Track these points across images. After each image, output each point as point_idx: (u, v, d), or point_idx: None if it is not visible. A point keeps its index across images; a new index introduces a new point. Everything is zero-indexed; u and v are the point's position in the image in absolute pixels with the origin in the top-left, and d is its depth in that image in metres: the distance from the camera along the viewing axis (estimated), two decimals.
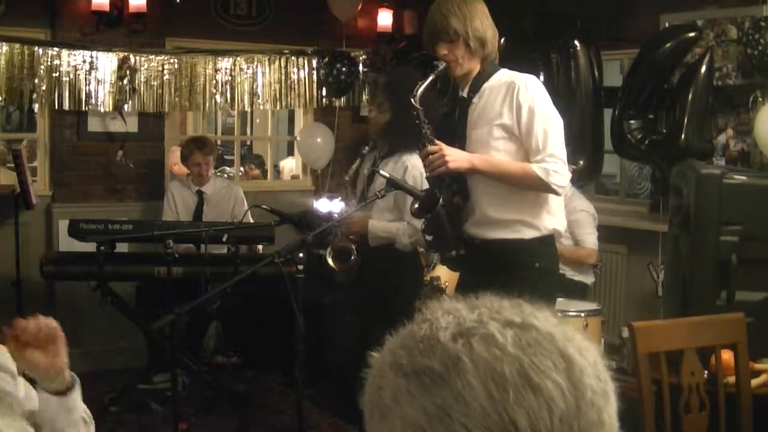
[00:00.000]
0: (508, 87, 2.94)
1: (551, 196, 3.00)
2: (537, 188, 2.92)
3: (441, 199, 3.00)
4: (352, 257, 3.68)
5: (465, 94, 3.07)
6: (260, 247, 5.12)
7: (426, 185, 3.63)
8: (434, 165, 2.95)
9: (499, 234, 3.02)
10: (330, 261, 3.69)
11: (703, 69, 4.54)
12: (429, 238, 3.16)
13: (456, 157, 2.93)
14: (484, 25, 2.98)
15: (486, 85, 3.01)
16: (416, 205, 3.13)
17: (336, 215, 3.62)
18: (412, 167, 3.72)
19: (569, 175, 2.95)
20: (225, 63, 5.66)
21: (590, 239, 4.83)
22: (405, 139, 3.74)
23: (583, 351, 0.77)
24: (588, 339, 0.81)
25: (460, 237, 3.09)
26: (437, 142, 2.99)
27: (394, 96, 3.72)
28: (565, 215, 3.16)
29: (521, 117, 2.90)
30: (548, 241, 3.05)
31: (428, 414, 0.72)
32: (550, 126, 2.90)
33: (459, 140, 3.06)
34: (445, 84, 3.29)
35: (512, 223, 3.00)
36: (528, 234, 2.99)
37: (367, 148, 3.77)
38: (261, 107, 6.04)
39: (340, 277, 3.88)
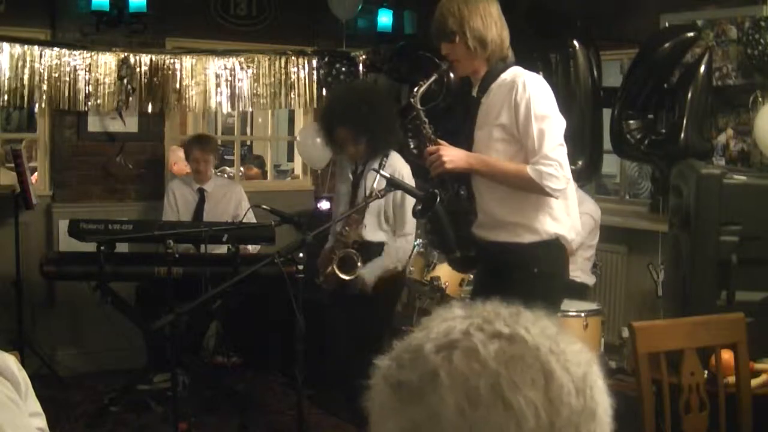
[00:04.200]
0: (509, 86, 2.90)
1: (555, 201, 2.93)
2: (531, 190, 2.87)
3: (439, 199, 2.98)
4: (358, 265, 3.69)
5: (475, 93, 3.05)
6: (251, 247, 5.12)
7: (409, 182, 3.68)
8: (433, 166, 2.94)
9: (499, 236, 3.00)
10: (336, 270, 3.70)
11: (703, 69, 4.54)
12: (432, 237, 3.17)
13: (453, 158, 2.91)
14: (485, 24, 2.91)
15: (494, 84, 2.98)
16: (419, 207, 3.13)
17: (336, 216, 3.64)
18: (400, 170, 3.76)
19: (567, 178, 2.86)
20: (225, 63, 5.66)
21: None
22: (388, 144, 3.78)
23: (571, 366, 0.76)
24: (587, 348, 0.80)
25: (464, 238, 3.08)
26: (439, 141, 2.97)
27: (361, 126, 3.73)
28: (577, 220, 3.08)
29: (518, 117, 2.84)
30: (551, 245, 2.97)
31: (403, 429, 0.74)
32: (546, 126, 2.82)
33: (467, 140, 3.05)
34: (440, 83, 3.29)
35: (512, 225, 2.96)
36: (527, 238, 2.94)
37: (385, 158, 3.79)
38: (261, 107, 6.04)
39: (327, 285, 3.88)
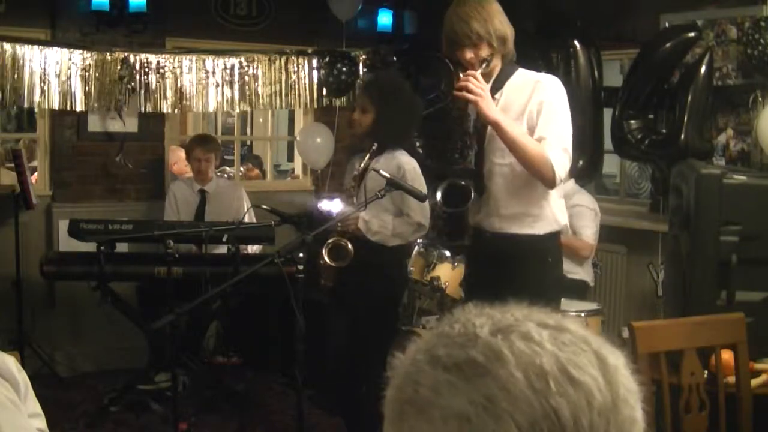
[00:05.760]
0: (534, 85, 3.01)
1: (558, 193, 3.08)
2: (538, 171, 2.93)
3: (473, 193, 3.08)
4: (349, 253, 3.67)
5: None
6: (251, 247, 5.12)
7: (421, 185, 3.65)
8: (467, 87, 2.90)
9: (513, 228, 3.07)
10: (326, 257, 3.68)
11: (703, 69, 4.54)
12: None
13: (490, 101, 2.91)
14: (502, 23, 3.03)
15: (508, 82, 3.06)
16: (449, 197, 3.21)
17: (335, 214, 3.61)
18: (406, 164, 3.73)
19: (567, 176, 3.02)
20: (225, 63, 5.66)
21: (586, 232, 4.82)
22: (392, 136, 3.75)
23: (614, 353, 0.80)
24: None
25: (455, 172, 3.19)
26: (483, 82, 2.94)
27: (376, 96, 3.73)
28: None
29: (543, 113, 2.95)
30: (557, 236, 3.13)
31: (474, 404, 0.73)
32: (565, 128, 2.98)
33: (478, 134, 3.10)
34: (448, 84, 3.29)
35: (525, 217, 3.05)
36: (541, 229, 3.06)
37: (376, 145, 3.76)
38: (261, 107, 6.04)
39: (326, 280, 3.87)
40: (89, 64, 5.27)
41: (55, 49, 5.20)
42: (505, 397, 0.73)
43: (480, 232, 3.16)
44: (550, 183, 2.96)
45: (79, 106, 5.29)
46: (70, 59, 5.22)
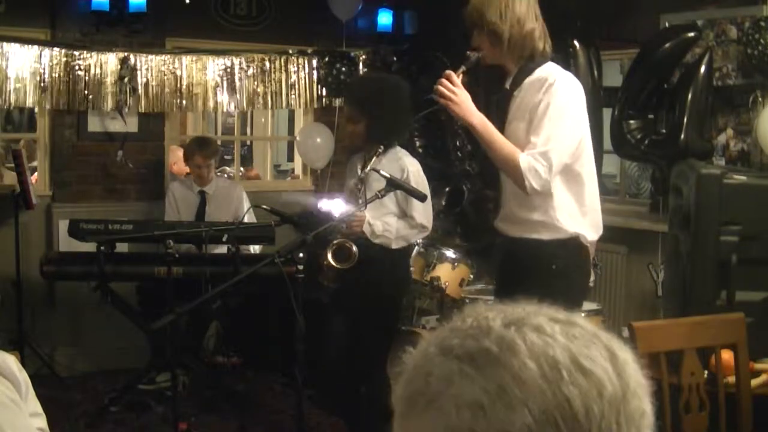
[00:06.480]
0: (543, 84, 2.91)
1: (573, 200, 2.95)
2: (512, 177, 2.87)
3: (467, 194, 3.03)
4: (353, 255, 3.67)
5: (507, 86, 3.05)
6: (252, 247, 5.12)
7: (424, 188, 3.65)
8: (440, 92, 2.85)
9: (519, 232, 3.02)
10: (330, 259, 3.68)
11: (703, 69, 4.54)
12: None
13: (462, 103, 2.84)
14: (503, 20, 2.92)
15: (527, 79, 2.98)
16: (445, 202, 3.17)
17: (336, 215, 3.60)
18: (410, 165, 3.72)
19: (548, 184, 2.83)
20: (225, 63, 5.66)
21: None
22: (390, 135, 3.74)
23: (623, 348, 0.82)
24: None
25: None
26: (458, 84, 2.88)
27: (361, 104, 3.71)
28: (599, 219, 3.07)
29: (537, 114, 2.84)
30: (570, 244, 2.96)
31: (488, 392, 0.75)
32: (557, 128, 2.83)
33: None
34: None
35: (532, 222, 2.97)
36: (546, 235, 2.95)
37: (382, 148, 3.74)
38: (261, 107, 6.04)
39: (328, 281, 3.87)
40: (89, 64, 5.27)
41: (55, 49, 5.20)
42: (519, 386, 0.74)
43: (499, 235, 3.14)
44: (522, 189, 2.83)
45: (79, 106, 5.29)
46: (70, 59, 5.22)
